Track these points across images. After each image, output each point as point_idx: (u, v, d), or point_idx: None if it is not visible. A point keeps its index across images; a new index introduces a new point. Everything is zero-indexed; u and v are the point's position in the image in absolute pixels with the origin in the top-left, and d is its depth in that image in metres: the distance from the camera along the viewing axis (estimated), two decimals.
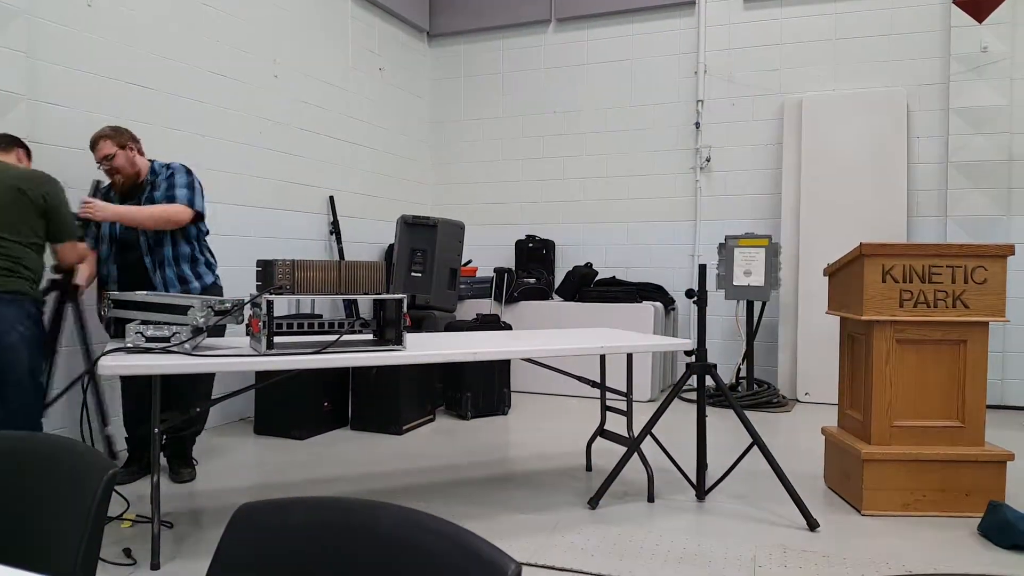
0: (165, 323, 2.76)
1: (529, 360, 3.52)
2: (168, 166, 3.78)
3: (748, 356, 6.00)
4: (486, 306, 6.42)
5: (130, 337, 2.72)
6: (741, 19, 6.57)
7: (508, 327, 5.76)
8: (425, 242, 5.86)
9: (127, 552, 2.82)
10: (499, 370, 5.51)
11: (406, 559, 0.91)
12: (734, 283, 5.83)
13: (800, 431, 5.02)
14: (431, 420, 5.27)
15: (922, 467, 3.34)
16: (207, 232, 3.93)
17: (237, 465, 4.17)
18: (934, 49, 6.01)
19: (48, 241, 3.20)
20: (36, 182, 3.12)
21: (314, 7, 5.97)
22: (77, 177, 4.03)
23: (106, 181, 3.82)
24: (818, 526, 3.16)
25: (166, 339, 2.73)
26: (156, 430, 2.74)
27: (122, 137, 3.67)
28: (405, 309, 2.94)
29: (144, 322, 2.76)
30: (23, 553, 1.19)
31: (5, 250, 3.02)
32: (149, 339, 2.73)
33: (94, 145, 3.63)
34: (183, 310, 2.74)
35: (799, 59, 6.40)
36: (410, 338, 3.20)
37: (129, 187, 3.71)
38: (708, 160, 6.68)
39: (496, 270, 6.57)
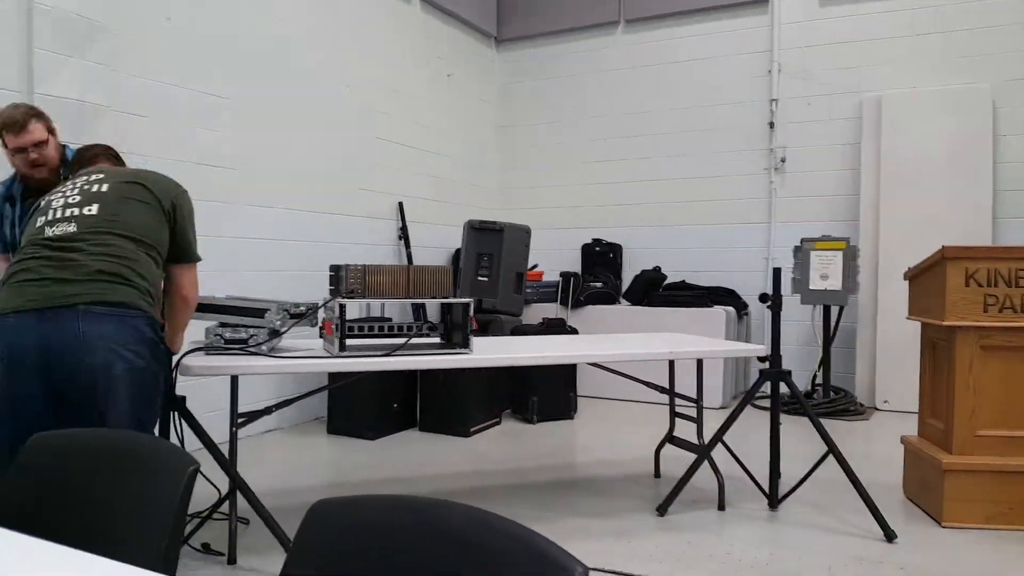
0: (243, 325, 2.85)
1: (595, 365, 3.51)
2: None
3: (825, 362, 5.84)
4: (552, 310, 6.42)
5: (209, 338, 2.82)
6: (816, 15, 6.41)
7: (574, 331, 5.75)
8: (492, 246, 5.90)
9: (206, 547, 2.92)
10: (565, 374, 5.50)
11: (475, 559, 0.92)
12: (810, 287, 5.69)
13: (878, 440, 4.86)
14: (497, 423, 5.30)
15: (1008, 478, 3.19)
16: None
17: (311, 463, 4.27)
18: (1020, 42, 5.75)
19: (168, 261, 2.37)
20: (163, 182, 2.40)
21: (383, 15, 6.09)
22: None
23: None
24: (896, 537, 3.05)
25: (243, 341, 2.82)
26: (234, 429, 2.83)
27: (48, 119, 2.87)
28: (472, 313, 2.96)
29: (222, 324, 2.86)
30: (110, 544, 1.24)
31: (115, 249, 2.19)
32: (228, 341, 2.82)
33: (20, 127, 2.77)
34: (260, 313, 2.83)
35: (877, 56, 6.21)
36: (476, 341, 3.22)
37: (45, 184, 2.79)
38: (783, 160, 6.53)
39: (562, 274, 6.57)
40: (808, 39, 6.45)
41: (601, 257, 6.97)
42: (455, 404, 4.95)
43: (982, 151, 5.74)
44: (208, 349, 2.80)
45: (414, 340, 3.04)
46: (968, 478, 3.21)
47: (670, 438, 3.97)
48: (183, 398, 2.72)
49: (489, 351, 3.08)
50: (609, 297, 6.54)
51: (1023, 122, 5.75)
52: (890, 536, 3.05)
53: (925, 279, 3.53)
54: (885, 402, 5.83)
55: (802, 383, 6.17)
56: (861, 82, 6.26)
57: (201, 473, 1.25)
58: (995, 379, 3.24)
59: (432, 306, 6.14)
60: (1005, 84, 5.80)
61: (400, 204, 6.25)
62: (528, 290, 6.36)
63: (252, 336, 2.81)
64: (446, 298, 2.93)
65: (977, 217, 5.71)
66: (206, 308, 2.84)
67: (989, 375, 3.25)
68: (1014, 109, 5.77)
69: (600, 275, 6.75)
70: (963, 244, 3.33)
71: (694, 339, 3.85)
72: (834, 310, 5.87)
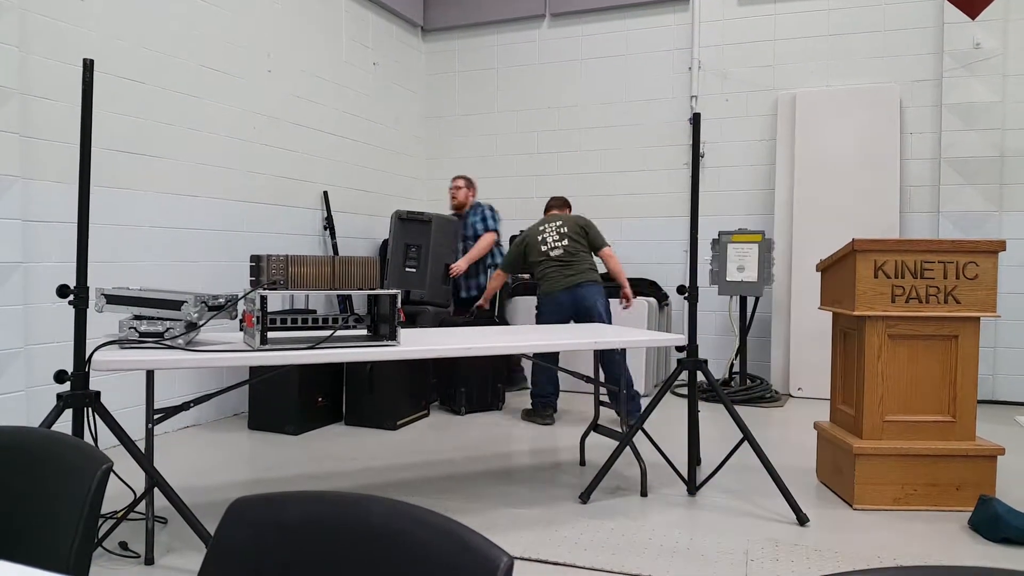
0: (158, 318, 2.76)
1: (523, 356, 3.53)
2: None
3: (741, 351, 6.02)
4: None
5: (122, 331, 2.72)
6: (735, 15, 6.58)
7: (505, 322, 5.76)
8: (419, 237, 5.86)
9: (123, 546, 2.83)
10: (494, 365, 5.51)
11: (399, 552, 0.92)
12: (727, 279, 5.85)
13: (793, 426, 5.04)
14: (425, 415, 5.28)
15: (913, 461, 3.36)
16: None
17: (231, 460, 4.17)
18: (927, 45, 6.03)
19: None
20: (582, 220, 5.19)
21: (307, 1, 5.96)
22: (68, 171, 4.03)
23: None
24: (808, 520, 3.17)
25: (159, 334, 2.73)
26: (150, 425, 2.74)
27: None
28: (399, 304, 2.94)
29: (137, 317, 2.76)
30: (17, 547, 1.19)
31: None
32: (143, 334, 2.73)
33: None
34: (176, 305, 2.74)
35: (793, 55, 6.41)
36: (404, 333, 3.20)
37: None
38: (702, 155, 6.68)
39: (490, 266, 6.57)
40: (727, 37, 6.61)
41: None
42: (382, 397, 4.91)
43: (890, 148, 6.00)
44: (122, 343, 2.70)
45: (339, 332, 3.00)
46: (877, 462, 3.37)
47: (594, 426, 4.03)
48: (97, 393, 2.62)
49: (417, 343, 3.06)
50: (536, 288, 6.57)
51: (929, 121, 6.03)
52: (802, 520, 3.17)
53: (836, 271, 3.67)
54: (799, 389, 6.05)
55: (719, 371, 6.35)
56: (776, 80, 6.46)
57: (114, 472, 1.21)
58: (902, 367, 3.40)
59: (359, 298, 6.07)
60: (912, 84, 6.08)
61: (325, 193, 6.15)
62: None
63: (168, 329, 2.73)
64: (373, 289, 2.90)
65: (885, 211, 5.97)
66: (118, 300, 2.74)
67: (896, 363, 3.40)
68: (920, 108, 6.06)
69: None
70: (872, 237, 3.47)
71: (617, 329, 3.92)
72: (750, 300, 6.06)
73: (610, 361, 4.77)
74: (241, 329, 2.99)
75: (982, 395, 5.74)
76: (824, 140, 6.13)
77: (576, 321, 4.90)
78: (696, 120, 3.75)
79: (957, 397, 3.37)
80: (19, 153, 3.76)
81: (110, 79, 4.29)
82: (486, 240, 5.87)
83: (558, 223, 5.09)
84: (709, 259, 5.96)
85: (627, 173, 6.97)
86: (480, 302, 5.58)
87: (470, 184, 6.09)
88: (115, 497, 3.30)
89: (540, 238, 5.09)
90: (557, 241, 5.00)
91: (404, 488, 3.69)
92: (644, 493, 3.56)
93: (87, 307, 2.67)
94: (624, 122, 6.98)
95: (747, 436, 3.35)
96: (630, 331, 3.88)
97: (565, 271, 4.95)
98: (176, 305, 2.74)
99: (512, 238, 6.43)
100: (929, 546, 2.95)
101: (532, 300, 6.46)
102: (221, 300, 2.78)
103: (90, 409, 2.63)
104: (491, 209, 6.03)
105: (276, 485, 3.72)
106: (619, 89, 7.00)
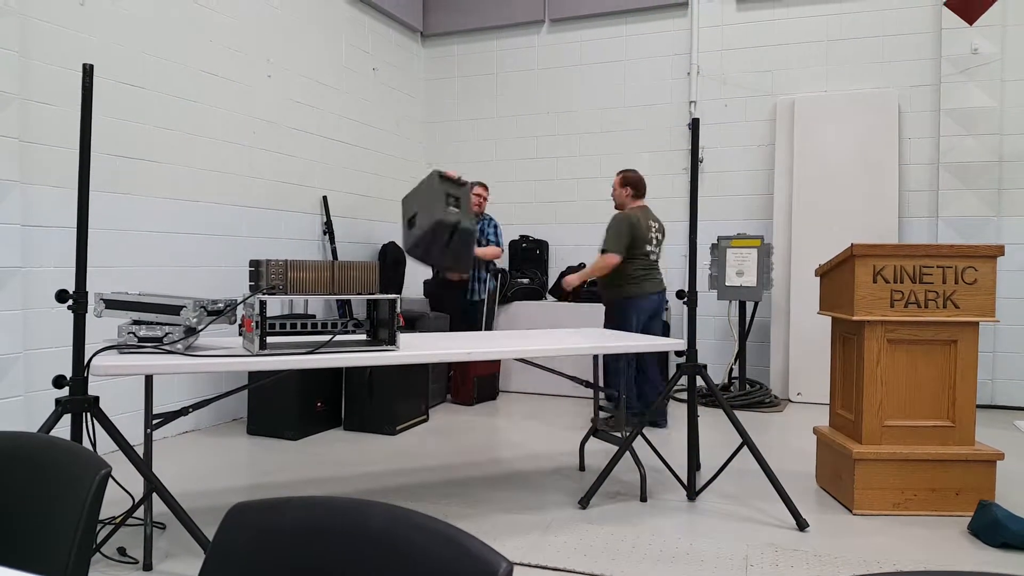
0: (157, 323, 2.76)
1: (523, 360, 3.53)
2: None
3: (740, 356, 6.01)
4: None
5: (121, 336, 2.71)
6: (734, 20, 6.59)
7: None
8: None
9: (122, 551, 2.82)
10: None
11: (398, 558, 0.92)
12: (726, 283, 5.85)
13: (792, 431, 5.04)
14: (424, 420, 5.27)
15: (913, 467, 3.36)
16: None
17: (230, 465, 4.17)
18: (925, 51, 6.04)
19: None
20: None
21: (307, 7, 5.97)
22: (68, 176, 4.03)
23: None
24: (807, 526, 3.17)
25: (159, 339, 2.73)
26: (148, 430, 2.74)
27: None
28: (399, 309, 2.94)
29: (136, 321, 2.76)
30: (15, 552, 1.19)
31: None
32: (142, 339, 2.73)
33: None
34: (175, 310, 2.74)
35: (791, 60, 6.42)
36: (403, 338, 3.20)
37: None
38: (701, 161, 6.69)
39: (490, 270, 6.57)
40: (726, 43, 6.62)
41: (528, 253, 7.01)
42: (381, 402, 4.91)
43: (889, 153, 6.01)
44: (121, 348, 2.70)
45: (339, 337, 3.00)
46: (876, 467, 3.36)
47: (594, 431, 4.03)
48: (96, 398, 2.62)
49: (416, 348, 3.06)
50: (536, 293, 6.59)
51: (927, 126, 6.04)
52: (802, 525, 3.17)
53: (835, 276, 3.67)
54: (798, 394, 6.05)
55: (719, 376, 6.35)
56: (775, 85, 6.47)
57: (113, 478, 1.21)
58: (901, 371, 3.40)
59: (358, 303, 6.07)
60: (911, 89, 6.09)
61: (324, 198, 6.15)
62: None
63: (167, 334, 2.73)
64: (372, 294, 2.89)
65: (884, 216, 5.97)
66: (117, 305, 2.74)
67: (895, 368, 3.40)
68: (918, 114, 6.06)
69: (527, 271, 6.79)
70: (871, 242, 3.47)
71: (616, 334, 3.92)
72: (749, 305, 6.06)
73: (611, 368, 4.77)
74: (240, 334, 2.99)
75: (981, 400, 5.74)
76: (823, 145, 6.14)
77: (648, 324, 4.97)
78: (695, 125, 3.75)
79: (956, 402, 3.37)
80: (19, 158, 3.76)
81: (110, 84, 4.29)
82: (494, 251, 6.07)
83: (656, 224, 5.03)
84: (708, 264, 5.96)
85: None
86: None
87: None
88: (113, 502, 3.29)
89: (648, 235, 4.92)
90: (657, 244, 5.02)
91: (403, 493, 3.68)
92: (644, 498, 3.56)
93: (86, 312, 2.67)
94: (623, 127, 6.98)
95: (746, 441, 3.34)
96: (630, 336, 3.88)
97: (657, 275, 4.99)
98: (175, 310, 2.74)
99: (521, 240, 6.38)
100: (929, 551, 2.95)
101: (532, 304, 6.48)
102: (220, 305, 2.78)
103: (89, 414, 2.63)
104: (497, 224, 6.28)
105: (275, 490, 3.71)
106: (618, 94, 7.01)
